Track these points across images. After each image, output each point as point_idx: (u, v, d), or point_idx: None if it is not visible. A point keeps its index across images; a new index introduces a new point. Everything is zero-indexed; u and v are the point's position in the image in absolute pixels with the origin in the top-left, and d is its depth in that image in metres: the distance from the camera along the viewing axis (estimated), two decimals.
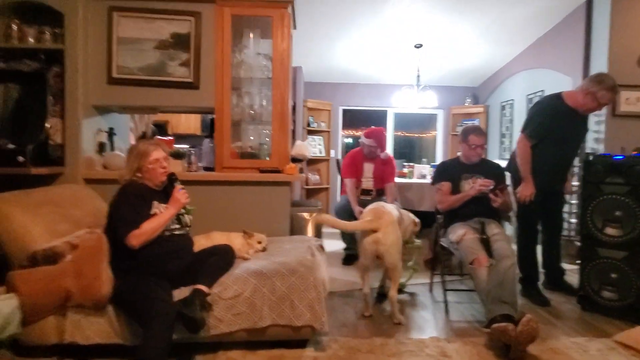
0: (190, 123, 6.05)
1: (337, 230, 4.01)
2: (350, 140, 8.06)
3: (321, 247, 2.61)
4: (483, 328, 2.29)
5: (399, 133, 7.86)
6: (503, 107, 6.04)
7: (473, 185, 2.84)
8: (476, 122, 6.18)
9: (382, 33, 4.97)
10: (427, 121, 8.26)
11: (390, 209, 2.67)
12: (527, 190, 2.87)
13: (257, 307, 2.03)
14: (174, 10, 2.78)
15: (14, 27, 2.67)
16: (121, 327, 1.93)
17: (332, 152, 6.57)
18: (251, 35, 2.95)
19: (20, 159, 2.44)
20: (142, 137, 3.73)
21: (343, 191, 4.15)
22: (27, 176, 2.45)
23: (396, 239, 2.50)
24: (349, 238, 3.85)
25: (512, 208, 3.00)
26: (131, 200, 1.98)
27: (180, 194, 2.10)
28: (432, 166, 4.52)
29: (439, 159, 6.93)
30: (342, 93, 6.73)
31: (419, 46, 5.29)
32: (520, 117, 5.48)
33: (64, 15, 2.63)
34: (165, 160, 2.12)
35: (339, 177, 6.88)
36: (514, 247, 2.81)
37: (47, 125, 2.60)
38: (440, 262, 3.05)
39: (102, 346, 1.94)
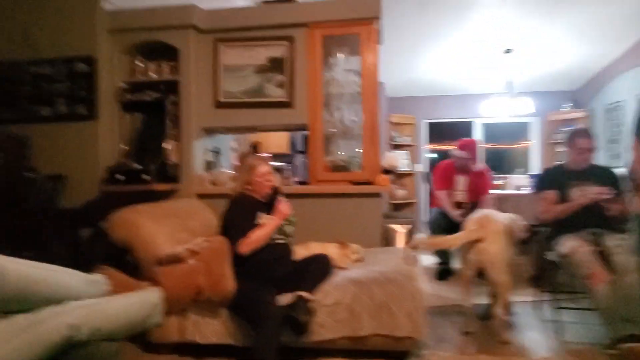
0: (279, 142, 6.38)
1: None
2: (434, 155, 7.84)
3: (416, 258, 2.56)
4: (606, 350, 2.06)
5: (486, 145, 7.48)
6: (609, 110, 5.45)
7: (584, 193, 2.59)
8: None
9: (468, 41, 4.84)
10: (517, 131, 7.76)
11: (499, 218, 2.49)
12: None
13: (357, 314, 2.05)
14: (270, 37, 3.02)
15: (139, 63, 3.11)
16: (233, 328, 2.08)
17: (419, 167, 6.46)
18: (340, 53, 3.07)
19: (145, 177, 2.79)
20: (244, 155, 4.04)
21: (433, 204, 4.05)
22: (151, 192, 2.80)
23: (502, 250, 2.33)
24: (443, 252, 3.72)
25: (629, 218, 2.68)
26: (241, 211, 2.16)
27: (284, 205, 2.24)
28: (532, 177, 4.21)
29: (534, 169, 6.44)
30: (425, 106, 6.64)
31: (508, 51, 5.05)
32: (632, 119, 4.91)
33: (179, 50, 3.00)
34: (270, 174, 2.29)
35: (425, 191, 6.74)
36: None
37: (166, 146, 2.94)
38: (546, 278, 2.82)
39: (217, 346, 2.11)
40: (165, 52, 3.08)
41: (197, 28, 3.02)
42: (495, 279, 2.32)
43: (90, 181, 2.93)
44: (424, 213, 6.65)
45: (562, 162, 2.92)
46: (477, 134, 6.78)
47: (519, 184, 4.47)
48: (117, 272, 1.43)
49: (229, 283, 1.48)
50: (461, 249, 2.48)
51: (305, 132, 3.22)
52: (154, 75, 3.09)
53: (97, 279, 1.30)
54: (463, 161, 3.76)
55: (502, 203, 4.01)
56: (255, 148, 5.13)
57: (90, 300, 1.17)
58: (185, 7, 2.97)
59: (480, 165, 3.93)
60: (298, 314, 1.92)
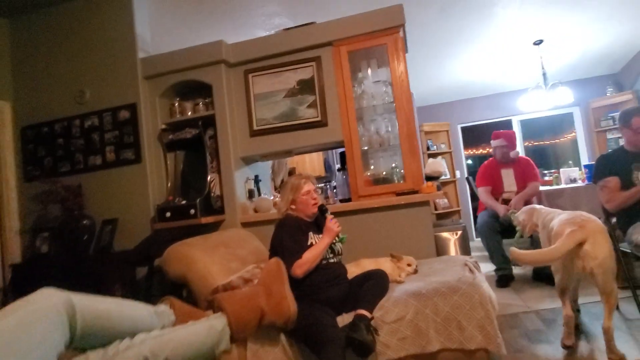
0: (314, 166, 6.41)
1: (485, 252, 3.73)
2: (469, 161, 7.62)
3: (477, 264, 2.43)
4: None
5: (527, 143, 7.20)
6: None
7: None
8: None
9: (495, 39, 4.74)
10: (559, 124, 7.44)
11: (594, 216, 2.12)
12: None
13: (423, 330, 1.94)
14: (297, 60, 3.06)
15: (176, 104, 3.23)
16: (295, 355, 2.01)
17: (458, 173, 6.27)
18: (368, 66, 3.07)
19: (192, 211, 2.84)
20: (281, 183, 4.08)
21: (481, 208, 3.88)
22: (197, 225, 2.84)
23: (610, 252, 1.94)
24: (500, 257, 3.52)
25: None
26: (291, 232, 2.13)
27: (332, 223, 2.19)
28: (586, 167, 3.97)
29: (585, 161, 6.08)
30: (458, 110, 6.51)
31: (538, 42, 4.89)
32: None
33: (212, 85, 3.09)
34: (315, 192, 2.26)
35: (469, 198, 6.50)
36: None
37: (209, 180, 3.00)
38: (622, 271, 2.58)
39: None
40: (199, 90, 3.19)
41: (227, 62, 3.12)
42: (604, 285, 1.94)
43: (141, 221, 3.03)
44: (469, 220, 6.41)
45: (619, 146, 2.73)
46: (517, 132, 6.53)
47: (572, 176, 4.22)
48: (180, 302, 1.44)
49: (291, 304, 1.44)
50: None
51: (341, 150, 3.19)
52: (189, 113, 3.19)
53: (163, 310, 1.31)
54: (502, 150, 3.73)
55: (557, 198, 3.80)
56: (292, 172, 5.17)
57: (159, 331, 1.17)
58: (214, 43, 3.08)
59: (517, 151, 3.88)
60: (360, 334, 1.83)
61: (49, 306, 0.97)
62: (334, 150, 5.58)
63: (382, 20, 2.90)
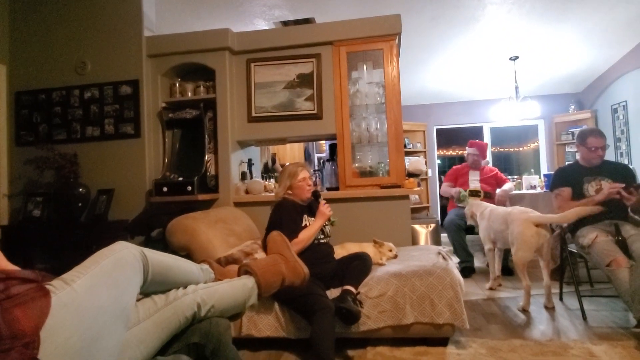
0: (294, 153, 6.61)
1: (450, 247, 4.12)
2: (439, 161, 8.06)
3: (449, 253, 2.75)
4: (633, 328, 2.23)
5: (494, 149, 7.71)
6: (615, 110, 5.67)
7: (602, 190, 2.78)
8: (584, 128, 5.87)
9: (475, 51, 5.09)
10: (524, 134, 8.00)
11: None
12: None
13: (400, 305, 2.23)
14: (298, 55, 3.25)
15: (177, 84, 3.35)
16: (286, 322, 2.27)
17: (430, 172, 6.66)
18: (364, 67, 3.31)
19: (189, 188, 3.01)
20: (265, 166, 4.27)
21: (450, 206, 4.25)
22: (193, 201, 3.01)
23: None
24: (464, 251, 3.90)
25: None
26: (287, 213, 2.37)
27: (325, 207, 2.44)
28: (546, 176, 4.42)
29: (544, 170, 6.63)
30: (435, 113, 6.88)
31: (514, 58, 5.30)
32: (636, 117, 5.12)
33: (215, 70, 3.23)
34: (310, 179, 2.50)
35: (439, 195, 6.93)
36: None
37: (205, 159, 3.16)
38: (569, 269, 2.99)
39: (271, 339, 2.30)
40: (200, 73, 3.32)
41: (231, 50, 3.26)
42: (547, 255, 2.91)
43: (137, 193, 3.16)
44: (437, 216, 6.84)
45: (575, 161, 3.12)
46: (486, 138, 6.99)
47: (532, 183, 4.67)
48: (216, 264, 1.65)
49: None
50: (519, 233, 2.87)
51: (331, 142, 3.42)
52: (189, 94, 3.31)
53: (207, 268, 1.53)
54: (473, 157, 4.31)
55: (518, 202, 4.21)
56: (274, 158, 5.37)
57: (205, 284, 1.39)
58: (220, 31, 3.21)
59: (487, 161, 4.56)
60: (349, 305, 2.10)
61: (131, 255, 1.17)
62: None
63: (381, 27, 3.14)
